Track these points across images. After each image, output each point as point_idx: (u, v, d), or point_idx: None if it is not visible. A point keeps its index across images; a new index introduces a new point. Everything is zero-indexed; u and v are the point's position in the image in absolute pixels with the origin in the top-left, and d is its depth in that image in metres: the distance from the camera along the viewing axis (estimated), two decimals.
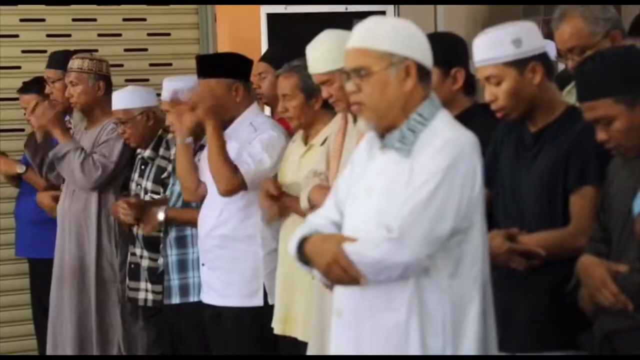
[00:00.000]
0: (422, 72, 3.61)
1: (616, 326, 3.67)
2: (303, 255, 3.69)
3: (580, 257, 3.79)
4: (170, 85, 5.87)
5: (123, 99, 6.16)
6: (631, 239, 3.64)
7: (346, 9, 8.39)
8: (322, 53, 4.67)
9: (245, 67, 5.73)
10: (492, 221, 4.02)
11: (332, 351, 3.81)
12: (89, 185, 6.28)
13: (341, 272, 3.55)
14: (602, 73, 3.71)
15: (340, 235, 3.63)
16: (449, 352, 3.55)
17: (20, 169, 6.70)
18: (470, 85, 4.64)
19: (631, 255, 3.64)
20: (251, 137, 5.50)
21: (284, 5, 8.61)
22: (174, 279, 5.83)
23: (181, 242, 5.81)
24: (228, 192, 5.37)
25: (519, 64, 4.07)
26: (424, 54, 3.63)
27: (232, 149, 5.49)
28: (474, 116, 4.44)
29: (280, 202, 5.23)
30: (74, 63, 6.41)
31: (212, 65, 5.71)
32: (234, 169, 5.32)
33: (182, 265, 5.81)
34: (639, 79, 3.67)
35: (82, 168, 6.25)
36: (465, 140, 3.60)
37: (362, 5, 8.35)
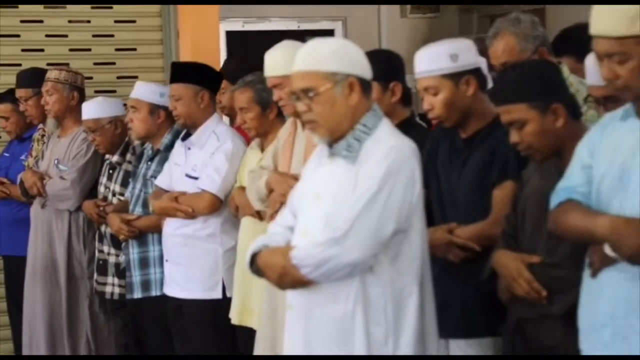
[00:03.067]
0: (364, 85, 3.66)
1: (527, 314, 3.74)
2: (256, 268, 3.76)
3: (495, 251, 3.88)
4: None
5: (92, 109, 6.15)
6: (540, 237, 3.73)
7: (298, 27, 8.46)
8: (279, 58, 4.68)
9: (213, 79, 5.79)
10: (431, 218, 4.08)
11: (285, 341, 3.85)
12: (74, 204, 6.33)
13: (291, 282, 3.63)
14: (520, 80, 3.78)
15: (287, 248, 3.68)
16: (390, 340, 3.60)
17: (25, 201, 6.63)
18: (407, 97, 4.71)
19: (541, 251, 3.72)
20: (215, 146, 5.54)
21: (241, 23, 8.66)
22: (136, 275, 5.83)
23: (142, 240, 5.82)
24: (211, 213, 5.50)
25: (455, 77, 4.15)
26: (363, 69, 3.68)
27: (196, 156, 5.57)
28: (411, 125, 4.51)
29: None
30: (52, 74, 6.41)
31: (183, 71, 5.76)
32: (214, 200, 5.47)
33: (144, 263, 5.81)
34: (551, 89, 3.75)
35: (62, 200, 6.34)
36: (406, 148, 3.65)
37: (312, 24, 8.45)
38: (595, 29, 3.24)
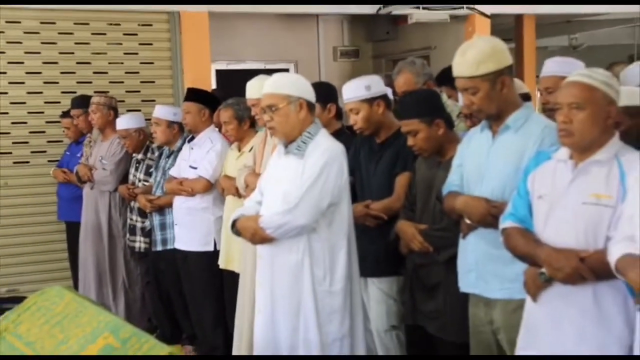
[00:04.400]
0: (310, 106, 3.68)
1: (420, 261, 3.74)
2: (236, 230, 3.77)
3: (398, 221, 3.87)
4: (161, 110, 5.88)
5: (123, 122, 6.09)
6: (427, 209, 3.74)
7: (265, 66, 8.39)
8: (254, 86, 4.68)
9: (213, 101, 5.68)
10: (355, 197, 4.04)
11: (257, 278, 3.82)
12: (113, 186, 6.22)
13: (260, 239, 3.65)
14: (414, 103, 3.79)
15: (257, 216, 3.68)
16: (327, 277, 3.62)
17: (80, 184, 6.51)
18: (339, 114, 4.67)
19: (428, 220, 3.73)
20: (209, 147, 5.46)
21: (226, 64, 8.59)
22: (158, 235, 5.77)
23: (162, 211, 5.74)
24: (205, 192, 5.40)
25: (370, 101, 4.15)
26: (310, 95, 3.70)
27: (196, 154, 5.49)
28: (342, 133, 4.49)
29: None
30: (95, 99, 6.34)
31: (194, 94, 5.68)
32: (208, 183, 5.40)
33: (162, 226, 5.75)
34: (435, 109, 3.78)
35: (105, 184, 6.25)
36: (337, 149, 3.67)
37: (274, 65, 8.41)
38: (455, 72, 3.31)
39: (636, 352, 2.57)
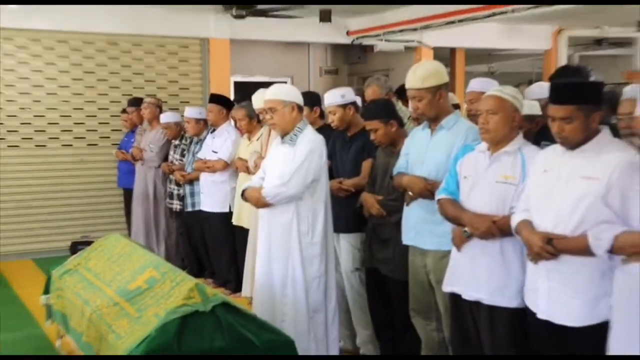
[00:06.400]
0: (299, 108, 3.61)
1: (377, 222, 3.68)
2: (244, 197, 3.71)
3: (363, 193, 3.80)
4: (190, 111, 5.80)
5: (166, 117, 6.03)
6: (383, 186, 3.68)
7: (269, 79, 8.31)
8: (259, 98, 4.61)
9: (229, 103, 5.63)
10: (332, 175, 4.00)
11: (259, 234, 3.75)
12: (157, 163, 6.12)
13: (262, 204, 3.58)
14: (375, 109, 3.71)
15: (260, 188, 3.62)
16: (310, 232, 3.56)
17: (134, 162, 6.41)
18: (322, 115, 4.61)
19: (383, 192, 3.66)
20: (226, 137, 5.42)
21: (241, 76, 8.51)
22: (188, 200, 5.73)
23: (192, 183, 5.69)
24: (223, 170, 5.36)
25: (344, 106, 4.07)
26: (299, 100, 3.63)
27: (217, 142, 5.44)
28: (324, 129, 4.40)
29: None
30: (146, 99, 6.31)
31: (215, 98, 5.64)
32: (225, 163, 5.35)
33: (192, 194, 5.70)
34: (390, 113, 3.68)
35: (151, 162, 6.14)
36: (319, 139, 3.62)
37: (276, 78, 8.33)
38: (407, 84, 3.28)
39: (526, 287, 2.63)
